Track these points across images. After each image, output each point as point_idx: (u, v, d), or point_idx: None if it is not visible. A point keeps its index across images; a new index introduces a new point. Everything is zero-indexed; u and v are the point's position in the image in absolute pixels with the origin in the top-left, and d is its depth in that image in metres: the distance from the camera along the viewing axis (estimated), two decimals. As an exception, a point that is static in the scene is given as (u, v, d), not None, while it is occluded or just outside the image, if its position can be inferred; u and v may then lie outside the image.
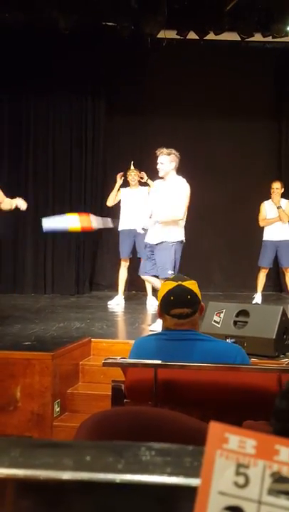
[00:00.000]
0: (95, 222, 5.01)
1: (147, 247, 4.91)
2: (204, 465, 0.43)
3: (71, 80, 6.90)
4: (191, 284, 2.10)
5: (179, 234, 4.83)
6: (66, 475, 0.50)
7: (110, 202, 6.39)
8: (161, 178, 4.90)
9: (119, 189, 6.35)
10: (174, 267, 4.74)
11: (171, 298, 2.06)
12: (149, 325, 4.88)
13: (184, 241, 4.89)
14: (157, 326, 4.82)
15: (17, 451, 0.54)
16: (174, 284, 2.09)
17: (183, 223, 4.87)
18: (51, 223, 4.35)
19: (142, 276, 5.14)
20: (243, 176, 7.29)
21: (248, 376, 2.02)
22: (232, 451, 0.43)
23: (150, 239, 4.85)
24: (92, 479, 0.51)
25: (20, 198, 4.28)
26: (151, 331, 4.83)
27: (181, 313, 2.05)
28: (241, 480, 0.42)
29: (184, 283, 2.09)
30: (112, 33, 6.31)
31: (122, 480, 0.51)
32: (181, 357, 1.99)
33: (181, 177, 4.85)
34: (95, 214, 7.16)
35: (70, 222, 4.57)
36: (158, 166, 4.82)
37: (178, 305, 2.05)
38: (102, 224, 5.32)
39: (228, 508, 0.43)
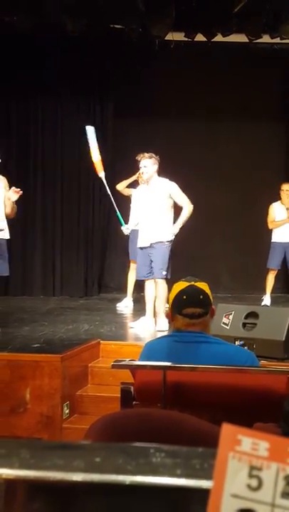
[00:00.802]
0: (102, 175, 5.40)
1: (140, 251, 4.98)
2: (217, 467, 0.43)
3: (79, 82, 6.93)
4: (203, 286, 2.10)
5: (169, 234, 4.92)
6: (77, 476, 0.50)
7: (120, 186, 6.39)
8: (140, 184, 5.10)
9: (129, 186, 6.38)
10: (168, 268, 4.85)
11: (184, 297, 2.06)
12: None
13: (172, 240, 4.97)
14: (138, 323, 4.96)
15: (27, 452, 0.54)
16: (186, 284, 2.10)
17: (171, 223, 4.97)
18: (92, 132, 4.88)
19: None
20: (252, 178, 7.27)
21: (258, 378, 2.00)
22: (245, 454, 0.43)
23: (144, 242, 4.91)
24: (102, 481, 0.51)
25: (12, 189, 4.36)
26: (131, 327, 5.01)
27: (193, 313, 2.05)
28: (254, 483, 0.42)
29: (197, 284, 2.09)
30: (120, 36, 6.32)
31: (132, 481, 0.51)
32: (191, 359, 1.99)
33: (162, 178, 4.93)
34: (104, 213, 7.21)
35: (95, 150, 5.07)
36: (141, 171, 4.95)
37: (190, 304, 2.05)
38: (106, 186, 5.58)
39: (241, 510, 0.42)
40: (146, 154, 4.91)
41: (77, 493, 0.52)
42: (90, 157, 5.27)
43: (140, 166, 4.92)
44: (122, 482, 0.51)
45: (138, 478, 0.51)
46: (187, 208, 4.84)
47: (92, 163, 5.39)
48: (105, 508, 0.52)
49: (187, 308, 2.05)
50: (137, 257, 5.15)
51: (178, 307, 2.07)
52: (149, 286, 4.99)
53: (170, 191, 4.83)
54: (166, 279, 4.79)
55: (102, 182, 5.56)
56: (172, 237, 4.90)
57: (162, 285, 4.75)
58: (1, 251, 4.40)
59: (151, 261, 4.87)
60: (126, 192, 6.40)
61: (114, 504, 0.52)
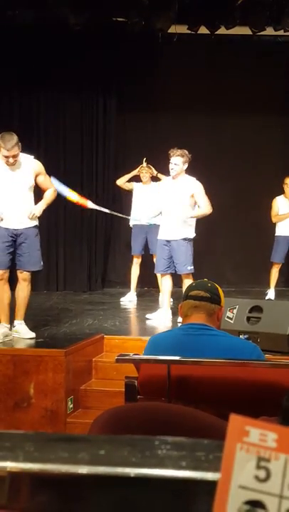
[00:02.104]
0: (90, 204, 5.32)
1: (163, 244, 4.92)
2: (224, 458, 0.42)
3: (82, 76, 6.90)
4: (215, 284, 2.23)
5: (193, 230, 4.97)
6: (82, 469, 0.50)
7: (120, 181, 6.40)
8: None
9: (130, 180, 6.38)
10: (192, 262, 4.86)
11: (193, 284, 2.22)
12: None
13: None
14: (155, 315, 4.96)
15: (32, 445, 0.54)
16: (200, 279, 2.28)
17: (195, 221, 5.00)
18: (58, 183, 4.80)
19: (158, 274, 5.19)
20: (255, 171, 7.25)
21: (262, 372, 2.00)
22: (253, 445, 0.42)
23: (167, 235, 4.89)
24: (107, 473, 0.51)
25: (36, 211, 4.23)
26: (148, 319, 5.01)
27: (197, 294, 2.13)
28: (262, 474, 0.41)
29: (210, 282, 2.23)
30: (123, 29, 6.29)
31: (137, 474, 0.50)
32: (196, 352, 1.98)
33: (189, 176, 4.93)
34: (108, 208, 7.21)
35: (70, 193, 5.02)
36: (171, 167, 4.89)
37: (196, 288, 2.17)
38: (99, 208, 5.55)
39: (249, 502, 0.42)
40: (178, 151, 4.88)
41: (82, 485, 0.51)
42: (71, 201, 5.21)
43: (170, 161, 4.89)
44: (127, 474, 0.50)
45: (143, 471, 0.51)
46: (204, 210, 4.84)
47: (75, 204, 5.35)
48: (110, 500, 0.52)
49: (193, 291, 2.16)
50: (157, 251, 5.12)
51: (187, 293, 2.18)
52: (165, 280, 5.00)
53: (194, 191, 4.83)
54: (192, 274, 4.79)
55: (96, 208, 5.49)
56: (194, 234, 4.93)
57: (187, 280, 4.69)
58: (27, 243, 4.18)
59: (172, 256, 4.87)
60: (126, 186, 6.40)
61: (120, 496, 0.51)
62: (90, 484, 0.51)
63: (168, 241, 4.88)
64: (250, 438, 0.42)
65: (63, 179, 7.13)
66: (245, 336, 3.69)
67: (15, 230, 4.14)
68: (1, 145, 4.00)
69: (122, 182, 6.41)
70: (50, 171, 7.08)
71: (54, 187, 4.37)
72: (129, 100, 7.16)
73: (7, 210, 4.12)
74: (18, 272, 4.25)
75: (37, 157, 7.30)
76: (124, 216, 5.96)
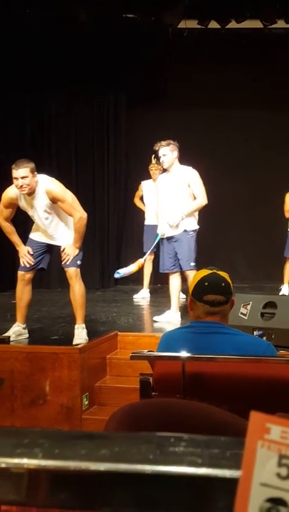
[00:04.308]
0: (141, 259, 5.31)
1: (165, 241, 4.84)
2: (245, 456, 0.42)
3: (92, 73, 6.90)
4: (225, 275, 2.10)
5: (195, 222, 4.79)
6: (100, 466, 0.50)
7: (136, 202, 6.58)
8: (164, 171, 4.86)
9: (139, 188, 6.41)
10: (195, 258, 4.72)
11: (206, 284, 2.05)
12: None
13: (198, 228, 4.83)
14: (163, 317, 4.86)
15: (50, 442, 0.54)
16: (208, 271, 2.09)
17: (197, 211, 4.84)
18: (121, 273, 4.92)
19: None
20: (268, 167, 7.20)
21: (276, 368, 1.99)
22: (274, 442, 0.42)
23: (168, 231, 4.76)
24: (125, 470, 0.51)
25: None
26: (155, 321, 4.88)
27: (214, 300, 2.04)
28: (284, 471, 0.41)
29: (219, 272, 2.09)
30: (133, 25, 6.28)
31: (154, 471, 0.50)
32: (209, 350, 1.98)
33: (185, 166, 4.78)
34: (120, 205, 7.22)
35: (130, 269, 5.04)
36: (161, 160, 4.78)
37: (212, 291, 2.03)
38: (147, 254, 5.62)
39: (271, 499, 0.42)
40: (163, 142, 4.75)
41: (100, 482, 0.51)
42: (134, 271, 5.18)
43: (159, 155, 4.76)
44: (144, 471, 0.50)
45: (160, 468, 0.51)
46: (200, 201, 4.66)
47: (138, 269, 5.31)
48: (128, 497, 0.52)
49: (209, 295, 2.04)
50: (161, 249, 5.00)
51: (199, 294, 2.06)
52: (173, 279, 4.83)
53: (189, 180, 4.67)
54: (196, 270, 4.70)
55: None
56: (197, 226, 4.76)
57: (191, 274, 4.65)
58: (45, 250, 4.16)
59: (176, 253, 4.72)
60: (140, 204, 6.56)
61: (137, 493, 0.51)
62: (107, 481, 0.51)
63: (170, 237, 4.75)
64: (271, 435, 0.42)
65: (74, 173, 7.19)
66: (260, 332, 3.68)
67: (49, 243, 4.13)
68: (13, 167, 3.81)
69: (136, 202, 6.55)
70: (61, 167, 7.15)
71: (78, 212, 3.93)
72: (140, 96, 7.15)
73: (38, 231, 4.11)
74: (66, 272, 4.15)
75: (48, 152, 7.26)
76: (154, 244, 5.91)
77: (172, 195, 4.73)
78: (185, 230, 4.68)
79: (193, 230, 4.72)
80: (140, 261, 5.18)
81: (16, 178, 3.79)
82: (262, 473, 0.42)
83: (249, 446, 0.42)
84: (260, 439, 0.42)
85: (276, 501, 0.42)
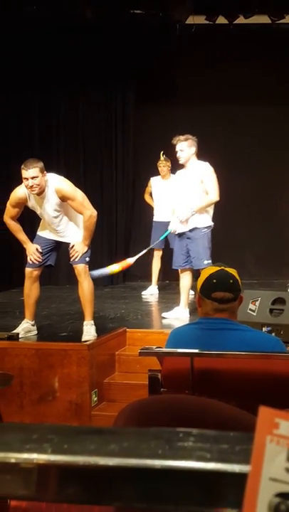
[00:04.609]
0: (131, 259, 5.19)
1: (177, 238, 4.79)
2: (254, 451, 0.42)
3: (99, 70, 6.89)
4: (233, 271, 2.10)
5: (208, 219, 4.71)
6: (109, 461, 0.50)
7: (146, 198, 6.54)
8: (182, 166, 4.78)
9: (149, 184, 6.40)
10: (210, 255, 4.63)
11: (214, 281, 2.05)
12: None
13: (212, 225, 4.74)
14: (171, 314, 4.82)
15: (59, 437, 0.54)
16: (216, 268, 2.10)
17: (212, 207, 4.75)
18: (97, 273, 4.74)
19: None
20: (277, 162, 7.16)
21: (286, 365, 1.98)
22: (283, 437, 0.42)
23: (181, 227, 4.70)
24: (134, 465, 0.51)
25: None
26: (163, 318, 4.84)
27: (222, 297, 2.03)
28: (294, 466, 0.41)
29: (227, 269, 2.09)
30: (140, 22, 6.26)
31: (163, 466, 0.50)
32: (218, 346, 1.97)
33: (202, 161, 4.72)
34: (128, 201, 7.22)
35: (111, 268, 4.95)
36: (178, 155, 4.70)
37: (220, 288, 2.03)
38: (138, 255, 5.42)
39: (280, 494, 0.41)
40: (181, 137, 4.67)
41: (109, 477, 0.52)
42: (116, 272, 5.13)
43: (176, 149, 4.68)
44: (154, 466, 0.50)
45: (169, 463, 0.51)
46: (211, 197, 4.59)
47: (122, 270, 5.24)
48: (137, 492, 0.52)
49: (217, 292, 2.04)
50: (174, 245, 4.95)
51: (207, 291, 2.05)
52: (184, 276, 4.77)
53: (202, 176, 4.60)
54: None
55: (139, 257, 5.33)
56: (211, 223, 4.67)
57: None
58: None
59: (188, 250, 4.65)
60: (149, 200, 6.51)
61: (146, 488, 0.52)
62: (116, 476, 0.51)
63: (183, 233, 4.68)
64: (280, 430, 0.42)
65: (83, 170, 7.20)
66: (268, 329, 3.67)
67: (57, 240, 4.14)
68: (23, 167, 3.79)
69: (146, 199, 6.52)
70: (69, 164, 7.16)
71: (88, 211, 3.94)
72: (148, 93, 7.13)
73: (46, 229, 4.11)
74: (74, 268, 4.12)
75: (56, 149, 7.26)
76: (156, 243, 5.89)
77: (185, 191, 4.68)
78: (196, 228, 4.61)
79: (206, 227, 4.64)
80: (128, 261, 5.09)
81: (25, 179, 3.78)
82: (271, 468, 0.42)
83: (258, 441, 0.42)
84: (269, 434, 0.42)
85: (285, 496, 0.41)
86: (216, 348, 1.96)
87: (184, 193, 4.69)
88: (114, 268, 4.92)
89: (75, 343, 3.85)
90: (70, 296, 6.16)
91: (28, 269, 4.15)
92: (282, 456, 0.42)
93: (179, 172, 4.93)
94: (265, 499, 0.41)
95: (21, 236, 4.10)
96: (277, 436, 0.42)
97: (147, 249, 5.61)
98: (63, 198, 3.90)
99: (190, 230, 4.64)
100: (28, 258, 4.12)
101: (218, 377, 1.98)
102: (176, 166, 5.23)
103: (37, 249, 4.08)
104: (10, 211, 4.03)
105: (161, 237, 5.78)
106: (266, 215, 7.22)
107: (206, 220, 4.66)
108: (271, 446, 0.42)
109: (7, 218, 4.06)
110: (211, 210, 4.74)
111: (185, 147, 4.65)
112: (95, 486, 0.52)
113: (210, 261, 4.54)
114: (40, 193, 3.85)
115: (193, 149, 4.67)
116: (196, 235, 4.62)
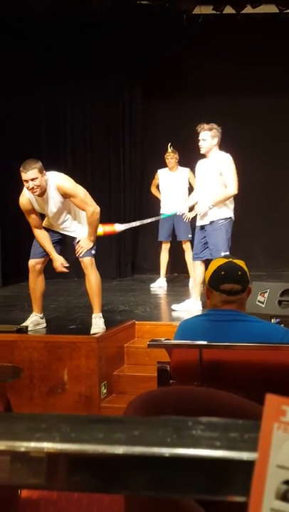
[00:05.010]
0: (118, 226, 5.09)
1: (198, 229, 4.77)
2: (261, 438, 0.42)
3: (106, 62, 6.86)
4: (241, 263, 2.10)
5: (228, 211, 4.63)
6: (117, 449, 0.51)
7: (152, 190, 6.50)
8: (204, 156, 4.70)
9: (156, 176, 6.36)
10: (229, 247, 4.57)
11: (222, 273, 2.05)
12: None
13: (233, 218, 4.67)
14: (182, 306, 4.80)
15: (68, 426, 0.55)
16: (224, 260, 2.11)
17: (232, 200, 4.67)
18: None
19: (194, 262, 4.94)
20: (285, 152, 7.11)
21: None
22: (290, 424, 0.42)
23: (200, 220, 4.67)
24: (143, 453, 0.51)
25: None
26: (172, 310, 4.82)
27: (231, 289, 2.04)
28: (301, 453, 0.41)
29: (235, 260, 2.09)
30: (147, 12, 6.22)
31: (172, 453, 0.51)
32: (226, 338, 1.98)
33: (223, 152, 4.63)
34: (136, 195, 7.21)
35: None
36: (200, 143, 4.59)
37: (228, 280, 2.04)
38: (128, 226, 5.36)
39: (287, 481, 0.42)
40: (205, 126, 4.56)
41: (118, 466, 0.52)
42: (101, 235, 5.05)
43: (199, 138, 4.57)
44: (162, 454, 0.51)
45: (178, 451, 0.51)
46: (229, 190, 4.51)
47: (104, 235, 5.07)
48: (145, 480, 0.52)
49: (225, 284, 2.04)
50: (195, 235, 4.91)
51: (216, 283, 2.06)
52: (197, 266, 4.72)
53: (221, 167, 4.52)
54: None
55: (126, 227, 5.27)
56: (230, 215, 4.59)
57: None
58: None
59: (207, 241, 4.62)
60: (156, 192, 6.46)
61: (154, 476, 0.52)
62: (125, 464, 0.52)
63: (202, 226, 4.64)
64: (287, 417, 0.42)
65: (90, 166, 7.19)
66: (277, 320, 3.66)
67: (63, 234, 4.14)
68: (21, 169, 3.76)
69: (152, 191, 6.49)
70: (77, 160, 7.15)
71: (90, 207, 3.92)
72: (155, 84, 7.09)
73: (51, 226, 4.10)
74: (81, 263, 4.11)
75: (64, 144, 7.23)
76: (154, 219, 5.89)
77: (205, 183, 4.63)
78: (213, 221, 4.56)
79: (222, 219, 4.57)
80: (115, 227, 4.94)
81: (25, 181, 3.76)
82: (278, 456, 0.42)
83: (265, 428, 0.42)
84: (276, 422, 0.42)
85: (293, 483, 0.41)
86: (224, 340, 1.96)
87: (203, 185, 4.66)
88: (98, 230, 4.79)
89: (84, 336, 3.87)
90: (78, 290, 6.18)
91: (30, 263, 4.15)
92: (290, 444, 0.42)
93: (200, 162, 4.81)
94: (273, 486, 0.41)
95: (48, 247, 4.04)
96: (285, 424, 0.42)
97: (139, 223, 5.60)
98: (65, 195, 3.88)
99: (209, 223, 4.61)
100: (34, 252, 4.11)
101: (227, 369, 1.98)
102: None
103: (62, 264, 4.04)
104: (29, 221, 4.03)
105: (164, 216, 5.80)
106: (275, 207, 7.19)
107: (223, 213, 4.59)
108: (278, 433, 0.42)
109: (32, 228, 4.06)
110: (230, 204, 4.65)
111: (208, 137, 4.54)
112: (104, 474, 0.53)
113: (227, 253, 4.48)
114: (42, 194, 3.83)
115: (216, 140, 4.57)
116: (214, 228, 4.58)
